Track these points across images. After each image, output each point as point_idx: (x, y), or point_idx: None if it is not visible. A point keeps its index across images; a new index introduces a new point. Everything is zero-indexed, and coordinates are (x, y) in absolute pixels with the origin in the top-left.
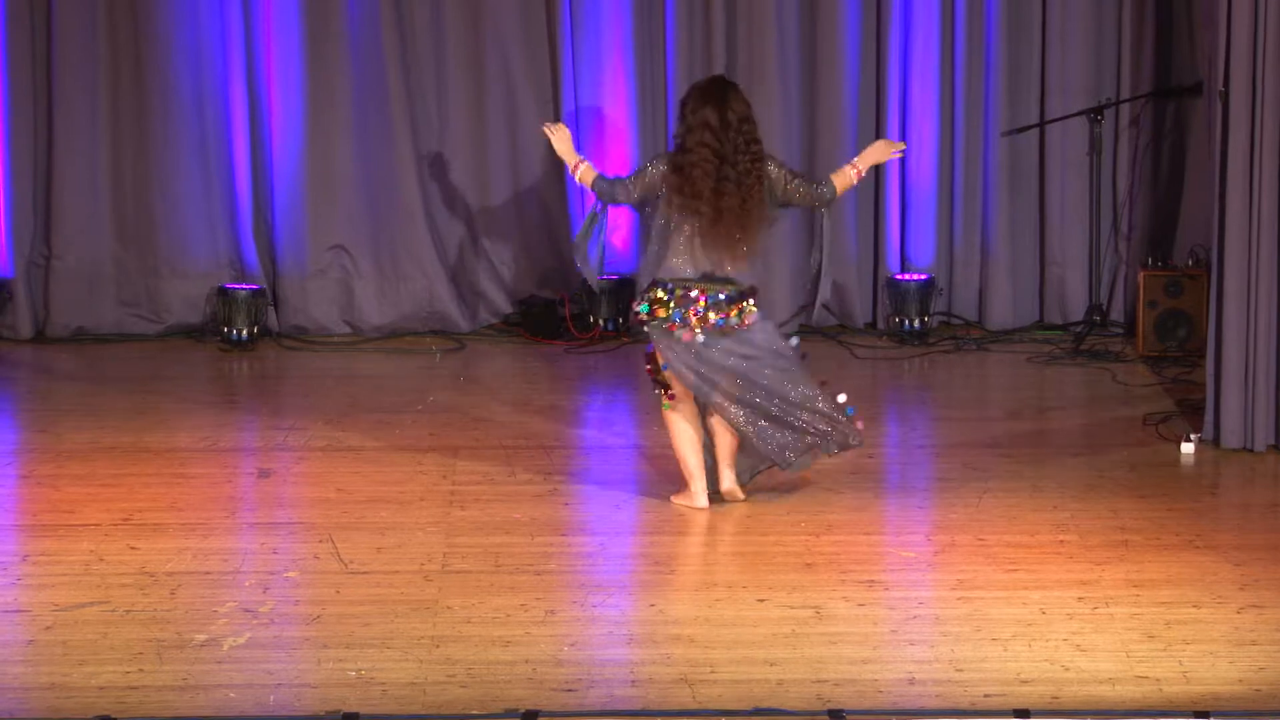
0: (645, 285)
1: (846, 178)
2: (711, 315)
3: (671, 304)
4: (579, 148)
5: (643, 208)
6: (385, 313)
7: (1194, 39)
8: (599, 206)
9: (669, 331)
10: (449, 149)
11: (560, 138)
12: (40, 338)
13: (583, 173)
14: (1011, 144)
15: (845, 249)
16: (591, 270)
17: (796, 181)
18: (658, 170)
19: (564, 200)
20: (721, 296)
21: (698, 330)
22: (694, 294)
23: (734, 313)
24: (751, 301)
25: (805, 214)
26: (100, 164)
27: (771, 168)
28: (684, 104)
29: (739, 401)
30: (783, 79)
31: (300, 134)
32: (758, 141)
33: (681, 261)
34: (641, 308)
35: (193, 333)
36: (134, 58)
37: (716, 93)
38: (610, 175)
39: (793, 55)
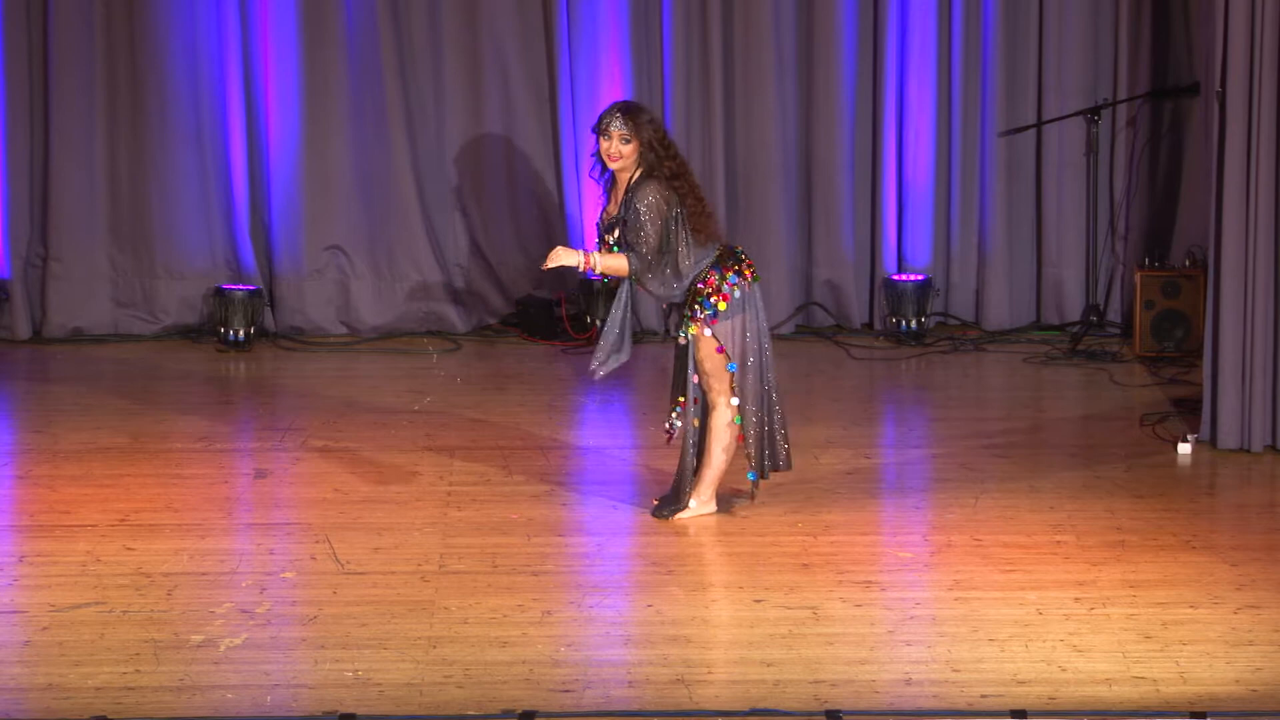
0: (687, 288)
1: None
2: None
3: (731, 280)
4: (578, 147)
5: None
6: (382, 313)
7: (1191, 39)
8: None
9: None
10: (445, 149)
11: (562, 256)
12: (37, 338)
13: (604, 263)
14: (1008, 144)
15: (842, 249)
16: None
17: None
18: (676, 205)
19: (560, 200)
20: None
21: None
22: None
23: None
24: None
25: (802, 210)
26: (97, 165)
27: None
28: (660, 132)
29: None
30: (779, 79)
31: (297, 134)
32: None
33: (703, 251)
34: (709, 308)
35: (190, 333)
36: (130, 58)
37: None
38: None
39: (789, 56)
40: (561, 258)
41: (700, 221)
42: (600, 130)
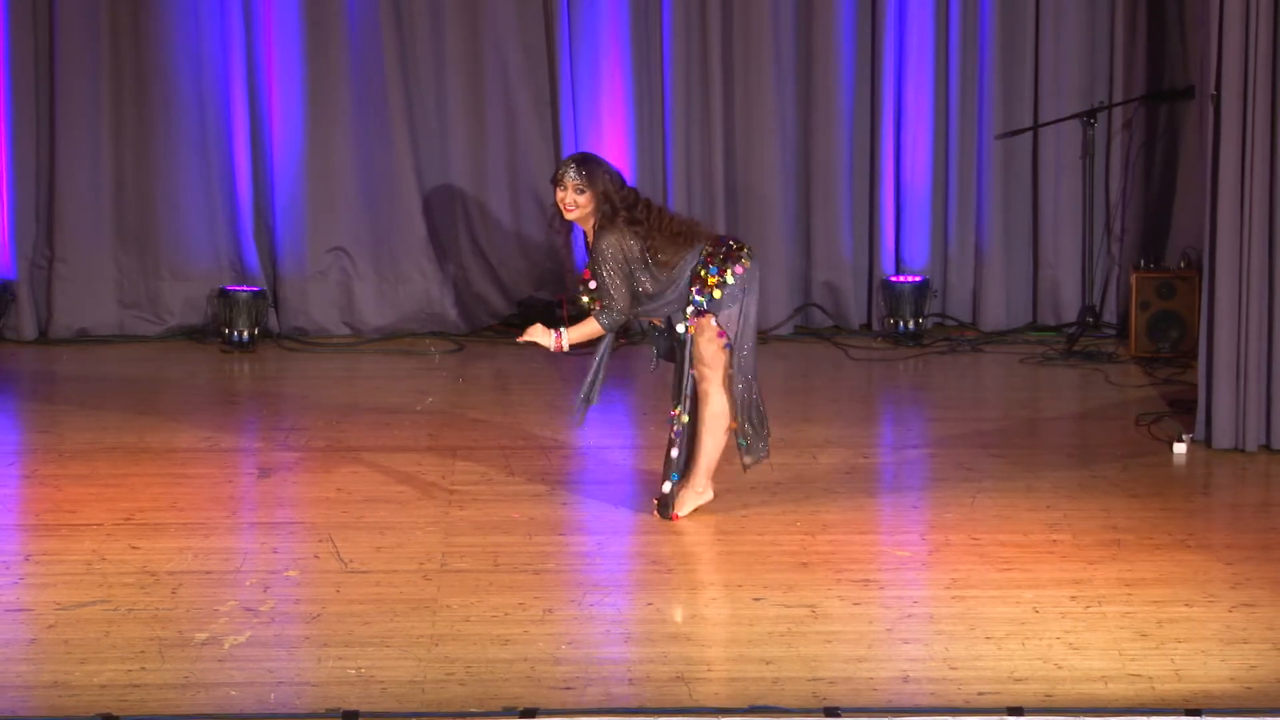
0: (683, 290)
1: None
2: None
3: (712, 272)
4: (579, 149)
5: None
6: (384, 314)
7: (1186, 43)
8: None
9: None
10: (448, 151)
11: (539, 335)
12: (43, 339)
13: (575, 335)
14: (1005, 147)
15: (840, 251)
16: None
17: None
18: (632, 245)
19: None
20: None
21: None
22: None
23: None
24: None
25: (800, 213)
26: (102, 166)
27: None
28: (617, 182)
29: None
30: (778, 81)
31: (300, 137)
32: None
33: (687, 253)
34: (703, 299)
35: (194, 334)
36: (135, 60)
37: None
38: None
39: (789, 58)
40: (538, 335)
41: (671, 249)
42: (556, 181)
